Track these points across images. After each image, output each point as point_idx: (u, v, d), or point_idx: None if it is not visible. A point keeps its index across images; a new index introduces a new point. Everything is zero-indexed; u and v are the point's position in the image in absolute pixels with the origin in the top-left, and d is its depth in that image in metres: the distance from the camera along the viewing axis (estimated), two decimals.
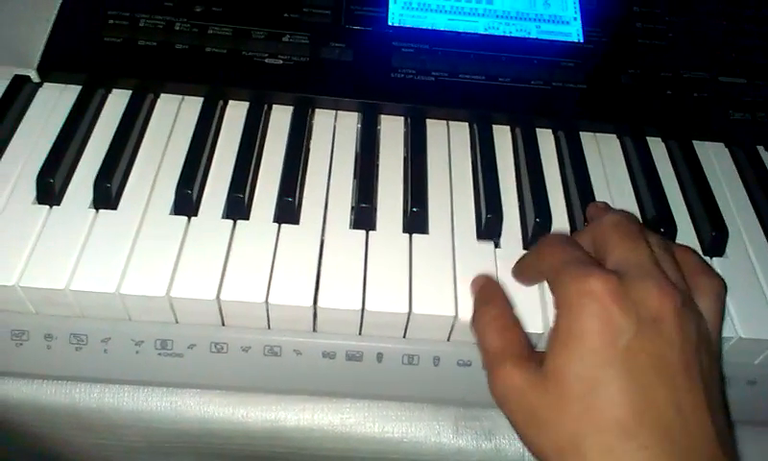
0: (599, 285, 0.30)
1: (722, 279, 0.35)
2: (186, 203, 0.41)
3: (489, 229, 0.42)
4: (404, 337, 0.40)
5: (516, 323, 0.35)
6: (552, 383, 0.30)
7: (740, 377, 0.40)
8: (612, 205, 0.45)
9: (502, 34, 0.52)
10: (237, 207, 0.41)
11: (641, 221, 0.44)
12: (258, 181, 0.43)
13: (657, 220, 0.43)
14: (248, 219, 0.41)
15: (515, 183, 0.46)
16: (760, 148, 0.50)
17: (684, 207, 0.45)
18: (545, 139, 0.49)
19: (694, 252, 0.38)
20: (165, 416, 0.41)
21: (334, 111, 0.48)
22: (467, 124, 0.49)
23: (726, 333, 0.39)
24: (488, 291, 0.37)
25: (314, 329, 0.39)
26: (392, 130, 0.48)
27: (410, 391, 0.42)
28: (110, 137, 0.44)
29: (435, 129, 0.48)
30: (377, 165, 0.45)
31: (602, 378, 0.29)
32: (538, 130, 0.49)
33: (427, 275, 0.40)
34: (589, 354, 0.29)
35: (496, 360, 0.33)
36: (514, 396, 0.32)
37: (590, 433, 0.29)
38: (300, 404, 0.41)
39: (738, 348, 0.39)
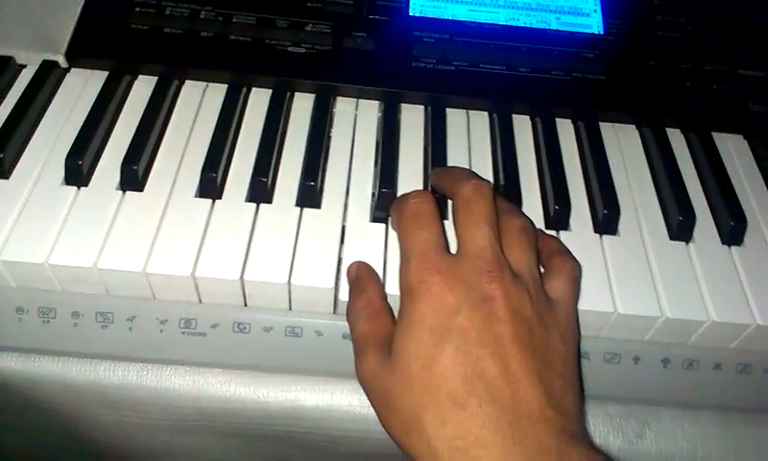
0: (436, 278, 0.33)
1: (576, 262, 0.38)
2: (211, 186, 0.42)
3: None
4: None
5: (384, 310, 0.37)
6: (397, 365, 0.33)
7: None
8: (632, 195, 0.45)
9: (522, 24, 0.52)
10: (260, 191, 0.42)
11: (662, 210, 0.44)
12: (281, 165, 0.44)
13: (677, 209, 0.43)
14: (270, 202, 0.42)
15: (535, 171, 0.46)
16: None
17: (704, 198, 0.45)
18: (565, 129, 0.49)
19: (555, 238, 0.41)
20: (188, 394, 0.42)
21: (356, 100, 0.49)
22: (486, 113, 0.49)
23: (744, 320, 0.39)
24: (362, 279, 0.38)
25: (335, 311, 0.40)
26: (412, 118, 0.48)
27: None
28: (137, 122, 0.45)
29: (455, 118, 0.49)
30: (398, 153, 0.46)
31: (437, 356, 0.32)
32: (558, 120, 0.49)
33: None
34: (427, 335, 0.32)
35: (361, 346, 0.36)
36: (371, 380, 0.34)
37: (428, 407, 0.31)
38: (320, 385, 0.42)
39: (758, 334, 0.39)
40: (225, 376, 0.42)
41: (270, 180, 0.43)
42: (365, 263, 0.39)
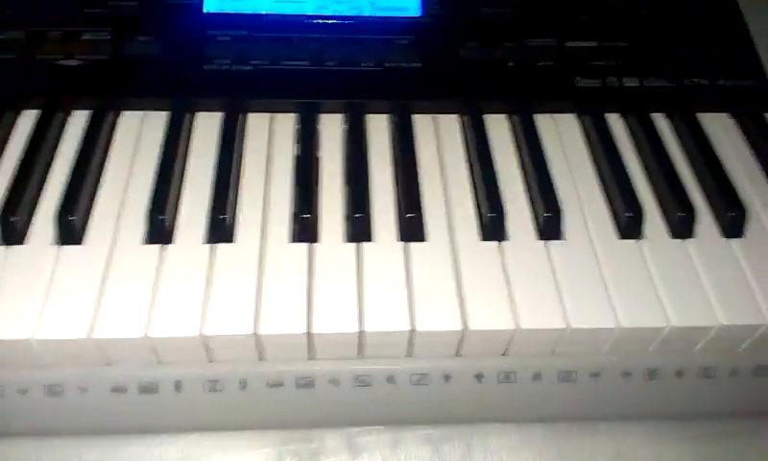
0: None
1: None
2: None
3: (302, 228, 0.38)
4: (209, 361, 0.36)
5: None
6: None
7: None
8: (443, 190, 0.41)
9: (332, 13, 0.48)
10: (11, 231, 0.37)
11: (473, 206, 0.40)
12: (43, 195, 0.39)
13: (487, 205, 0.39)
14: (22, 243, 0.37)
15: (339, 176, 0.41)
16: (614, 116, 0.46)
17: (521, 185, 0.42)
18: (379, 125, 0.44)
19: None
20: None
21: (142, 112, 0.44)
22: (293, 115, 0.45)
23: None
24: None
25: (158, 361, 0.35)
26: (204, 127, 0.43)
27: (223, 419, 0.38)
28: None
29: (255, 122, 0.44)
30: (180, 169, 0.41)
31: None
32: (372, 115, 0.45)
33: (236, 286, 0.35)
34: None
35: None
36: None
37: None
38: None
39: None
40: None
41: (25, 215, 0.37)
42: None
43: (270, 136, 0.43)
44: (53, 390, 0.35)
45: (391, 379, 0.37)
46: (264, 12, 0.47)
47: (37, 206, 0.38)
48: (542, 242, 0.39)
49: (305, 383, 0.37)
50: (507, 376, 0.37)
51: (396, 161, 0.42)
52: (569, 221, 0.40)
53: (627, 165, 0.43)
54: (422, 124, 0.44)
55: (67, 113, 0.43)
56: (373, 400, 0.37)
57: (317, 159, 0.42)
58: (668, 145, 0.45)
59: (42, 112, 0.42)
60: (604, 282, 0.37)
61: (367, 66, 0.45)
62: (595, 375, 0.38)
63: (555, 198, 0.40)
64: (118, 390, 0.35)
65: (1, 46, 0.44)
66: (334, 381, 0.37)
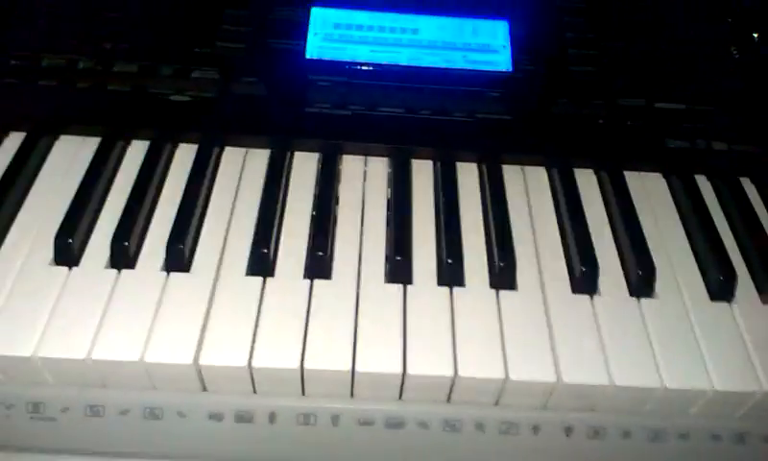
0: None
1: None
2: (65, 252, 0.38)
3: (396, 270, 0.39)
4: (303, 395, 0.37)
5: None
6: None
7: None
8: (533, 241, 0.41)
9: (426, 64, 0.49)
10: (122, 256, 0.38)
11: (563, 258, 0.41)
12: (151, 225, 0.41)
13: (578, 258, 0.40)
14: (132, 268, 0.38)
15: (431, 222, 0.42)
16: (701, 178, 0.46)
17: (612, 242, 0.42)
18: (470, 173, 0.46)
19: None
20: None
21: (244, 149, 0.46)
22: (385, 159, 0.46)
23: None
24: None
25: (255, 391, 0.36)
26: (305, 167, 0.45)
27: (312, 454, 0.39)
28: None
29: (351, 165, 0.45)
30: (280, 205, 0.42)
31: None
32: (464, 164, 0.46)
33: (332, 322, 0.37)
34: None
35: None
36: None
37: None
38: None
39: None
40: None
41: (135, 244, 0.39)
42: None
43: (364, 178, 0.45)
44: (152, 413, 0.37)
45: (480, 426, 0.37)
46: (362, 61, 0.49)
47: (147, 233, 0.40)
48: (634, 299, 0.39)
49: (395, 424, 0.37)
50: (596, 432, 0.37)
51: (485, 209, 0.43)
52: (660, 279, 0.40)
53: (717, 227, 0.43)
54: (511, 174, 0.45)
55: (175, 146, 0.45)
56: (460, 446, 0.38)
57: (409, 203, 0.43)
58: (756, 208, 0.45)
59: (152, 144, 0.45)
60: (697, 343, 0.37)
61: (458, 116, 0.47)
62: (684, 436, 0.37)
63: (649, 256, 0.40)
64: (215, 417, 0.37)
65: (115, 78, 0.47)
66: (423, 424, 0.37)
